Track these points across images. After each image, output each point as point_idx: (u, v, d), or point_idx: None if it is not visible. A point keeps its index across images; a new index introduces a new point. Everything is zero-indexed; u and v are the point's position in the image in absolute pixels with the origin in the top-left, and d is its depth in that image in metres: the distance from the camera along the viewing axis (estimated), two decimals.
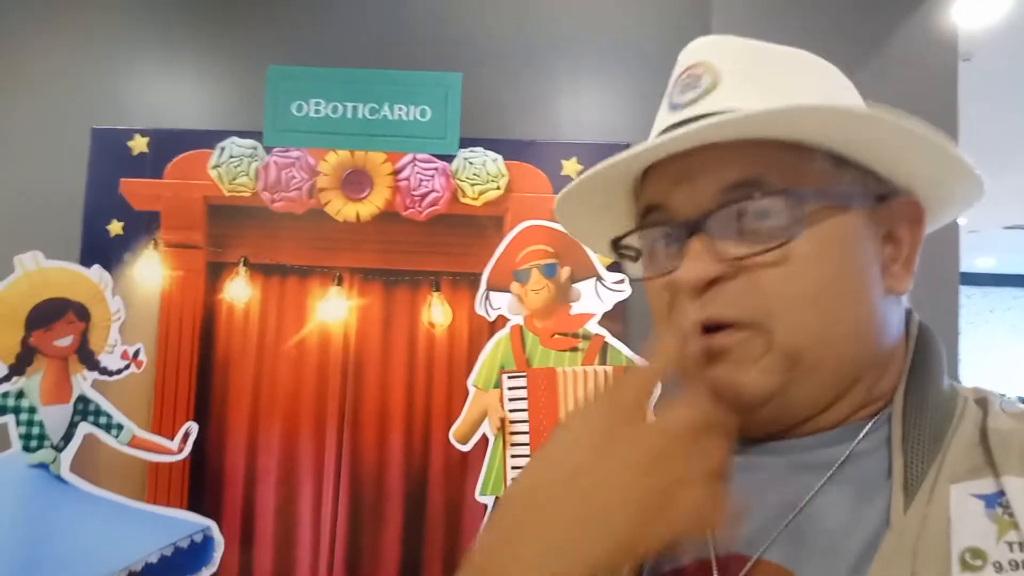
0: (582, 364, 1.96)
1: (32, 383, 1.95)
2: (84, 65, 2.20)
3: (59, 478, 1.93)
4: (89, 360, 1.97)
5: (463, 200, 2.03)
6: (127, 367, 1.99)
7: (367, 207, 2.04)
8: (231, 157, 2.05)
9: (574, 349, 1.97)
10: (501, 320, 2.01)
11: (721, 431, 0.49)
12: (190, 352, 2.03)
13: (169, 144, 2.08)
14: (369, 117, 2.06)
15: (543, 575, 0.44)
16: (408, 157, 2.04)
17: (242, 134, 2.06)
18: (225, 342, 2.04)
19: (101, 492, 1.94)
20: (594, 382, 1.94)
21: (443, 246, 2.05)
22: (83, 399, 1.96)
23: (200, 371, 2.03)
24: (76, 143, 2.10)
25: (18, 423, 1.93)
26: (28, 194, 2.12)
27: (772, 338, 0.52)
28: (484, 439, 1.97)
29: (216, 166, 2.05)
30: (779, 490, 0.54)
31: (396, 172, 2.04)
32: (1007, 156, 3.93)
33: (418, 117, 2.05)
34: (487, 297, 2.01)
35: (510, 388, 1.96)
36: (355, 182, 2.05)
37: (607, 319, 1.97)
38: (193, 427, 1.99)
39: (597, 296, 1.97)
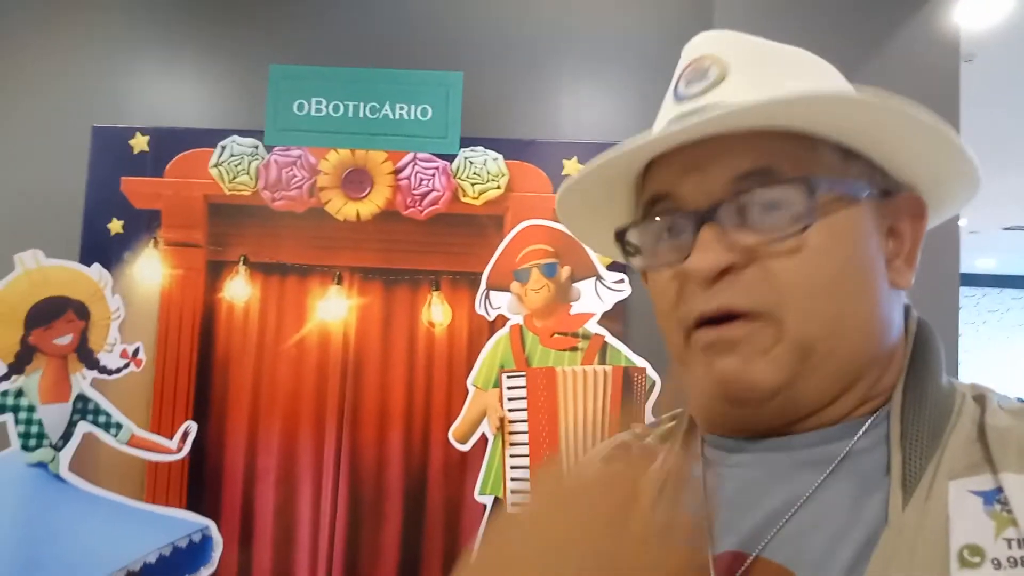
0: (582, 364, 1.96)
1: (31, 382, 1.95)
2: (85, 63, 2.20)
3: (58, 477, 1.93)
4: (88, 359, 1.97)
5: (463, 199, 2.03)
6: (126, 366, 1.99)
7: (367, 206, 2.04)
8: (232, 156, 2.04)
9: (574, 349, 1.97)
10: (501, 319, 2.01)
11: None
12: (189, 351, 2.03)
13: (170, 143, 2.08)
14: (370, 116, 2.05)
15: None
16: (409, 156, 2.04)
17: (243, 133, 2.06)
18: (225, 341, 2.04)
19: (100, 491, 1.94)
20: (593, 381, 1.93)
21: (443, 245, 2.05)
22: (82, 398, 1.96)
23: (200, 370, 2.02)
24: (77, 141, 2.10)
25: (17, 422, 1.92)
26: (28, 192, 2.12)
27: (783, 329, 0.52)
28: (483, 438, 1.97)
29: (217, 165, 2.04)
30: (778, 488, 0.54)
31: (397, 171, 2.04)
32: (1008, 157, 3.92)
33: (419, 116, 2.05)
34: (487, 296, 2.01)
35: (509, 387, 1.96)
36: (356, 181, 2.05)
37: (607, 319, 1.97)
38: (192, 426, 1.99)
39: (597, 296, 1.97)
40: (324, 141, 2.05)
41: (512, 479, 1.93)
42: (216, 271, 2.05)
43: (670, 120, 0.57)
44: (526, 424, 1.93)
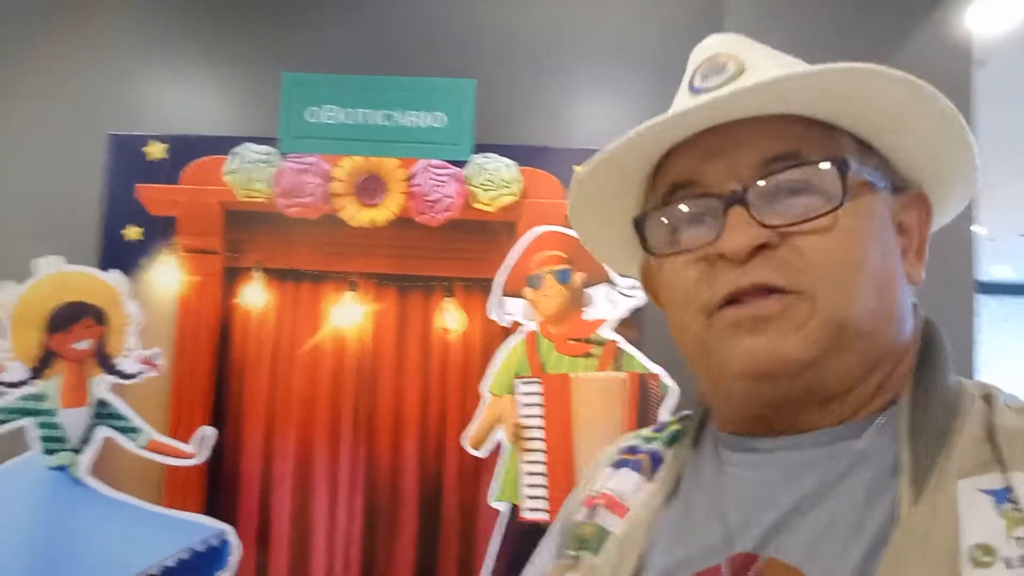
0: (596, 370, 1.95)
1: (51, 386, 1.96)
2: (101, 72, 2.22)
3: (78, 481, 1.94)
4: (107, 364, 1.99)
5: (477, 206, 2.04)
6: (144, 371, 2.00)
7: (381, 213, 2.05)
8: (246, 163, 2.06)
9: (588, 355, 1.97)
10: (515, 326, 2.01)
11: None
12: (207, 357, 2.04)
13: (185, 150, 2.10)
14: (383, 123, 2.07)
15: None
16: (422, 163, 2.05)
17: (257, 140, 2.08)
18: (241, 347, 2.05)
19: (119, 495, 1.95)
20: (608, 388, 1.93)
21: (457, 251, 2.06)
22: (101, 403, 1.98)
23: (216, 376, 2.04)
24: (93, 149, 2.12)
25: (38, 426, 1.94)
26: (47, 199, 2.14)
27: (816, 305, 0.52)
28: (498, 445, 1.97)
29: (231, 172, 2.06)
30: (789, 488, 0.54)
31: (410, 178, 2.05)
32: (1023, 163, 3.90)
33: (432, 123, 2.06)
34: (501, 303, 2.01)
35: (524, 394, 1.95)
36: (369, 188, 2.06)
37: (622, 325, 1.97)
38: (209, 431, 2.00)
39: (611, 301, 1.97)
40: (338, 148, 2.06)
41: (527, 485, 1.93)
42: (232, 277, 2.07)
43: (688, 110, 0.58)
44: (541, 431, 1.93)
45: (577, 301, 1.98)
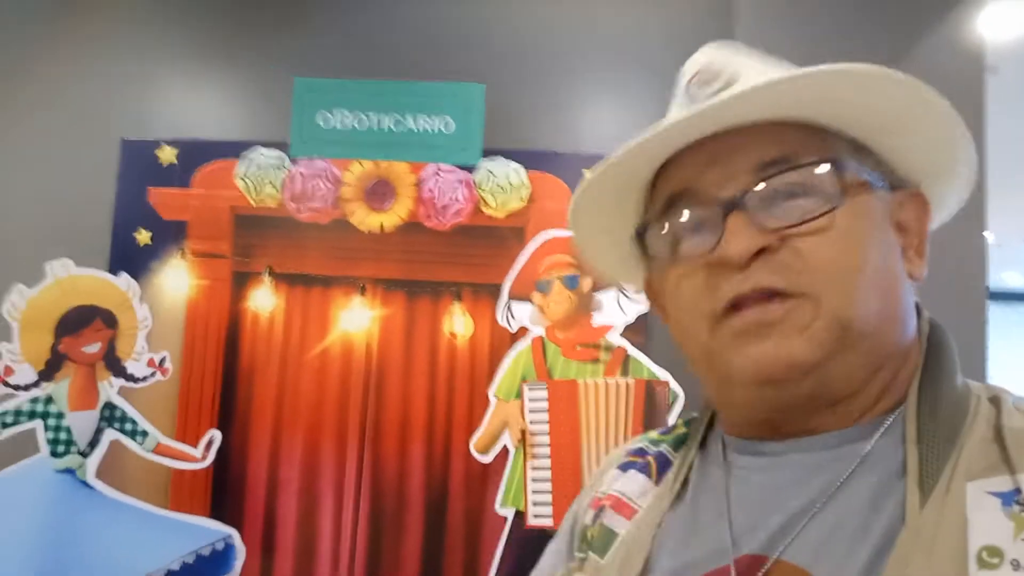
0: (604, 375, 1.95)
1: (60, 389, 1.97)
2: (114, 77, 2.24)
3: (85, 483, 1.95)
4: (116, 367, 2.00)
5: (485, 211, 2.04)
6: (153, 375, 2.01)
7: (391, 217, 2.06)
8: (257, 168, 2.07)
9: (596, 360, 1.96)
10: (522, 331, 2.00)
11: None
12: (215, 361, 2.05)
13: (197, 154, 2.11)
14: (393, 128, 2.07)
15: None
16: (431, 168, 2.05)
17: (268, 145, 2.09)
18: (249, 351, 2.05)
19: (125, 498, 1.96)
20: (615, 394, 1.92)
21: (465, 256, 2.06)
22: (109, 406, 1.99)
23: (224, 379, 2.04)
24: (106, 153, 2.13)
25: (46, 428, 1.95)
26: (59, 203, 2.16)
27: (820, 307, 0.52)
28: (505, 450, 1.96)
29: (242, 176, 2.07)
30: (797, 490, 0.54)
31: (419, 183, 2.05)
32: None
33: (441, 128, 2.06)
34: (509, 308, 2.01)
35: (531, 399, 1.95)
36: (379, 192, 2.06)
37: (629, 331, 1.97)
38: (216, 435, 2.01)
39: (619, 307, 1.97)
40: (348, 153, 2.07)
41: (533, 491, 1.92)
42: (242, 282, 2.07)
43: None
44: (548, 436, 1.93)
45: (585, 307, 1.98)
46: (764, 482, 0.57)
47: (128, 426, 1.98)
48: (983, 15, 1.94)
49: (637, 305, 1.96)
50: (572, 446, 1.91)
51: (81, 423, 1.96)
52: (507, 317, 2.01)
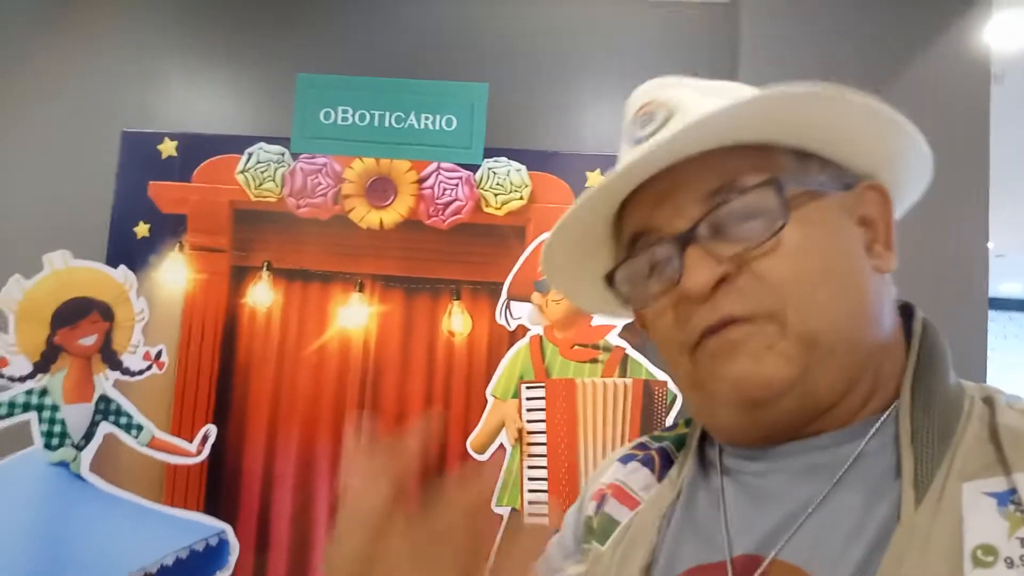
0: (602, 375, 1.94)
1: (56, 381, 1.97)
2: (116, 70, 2.23)
3: (79, 477, 1.94)
4: (112, 360, 1.99)
5: (486, 209, 2.04)
6: (149, 368, 2.00)
7: (391, 215, 2.05)
8: (258, 163, 2.06)
9: (594, 360, 1.96)
10: (521, 330, 2.00)
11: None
12: (211, 355, 2.04)
13: (197, 148, 2.10)
14: (395, 125, 2.07)
15: None
16: (433, 166, 2.05)
17: (270, 140, 2.08)
18: (246, 346, 2.05)
19: (119, 492, 1.95)
20: (613, 394, 1.92)
21: (465, 255, 2.05)
22: (104, 399, 1.98)
23: (221, 374, 2.04)
24: (106, 146, 2.13)
25: (40, 420, 1.94)
26: (59, 194, 2.15)
27: (785, 324, 0.53)
28: (501, 449, 1.96)
29: (243, 171, 2.06)
30: (793, 491, 0.55)
31: (420, 180, 2.05)
32: None
33: (444, 126, 2.06)
34: (507, 307, 2.01)
35: (528, 398, 1.95)
36: (379, 190, 2.06)
37: (628, 331, 1.96)
38: (212, 430, 2.00)
39: None
40: (349, 149, 2.06)
41: (530, 490, 1.92)
42: (240, 276, 2.07)
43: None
44: (544, 435, 1.92)
45: None
46: (759, 483, 0.58)
47: (123, 419, 1.98)
48: (989, 24, 1.93)
49: None
50: (569, 445, 1.91)
51: (76, 416, 1.96)
52: (506, 316, 2.01)
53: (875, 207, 0.60)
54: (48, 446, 1.94)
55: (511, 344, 2.00)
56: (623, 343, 1.96)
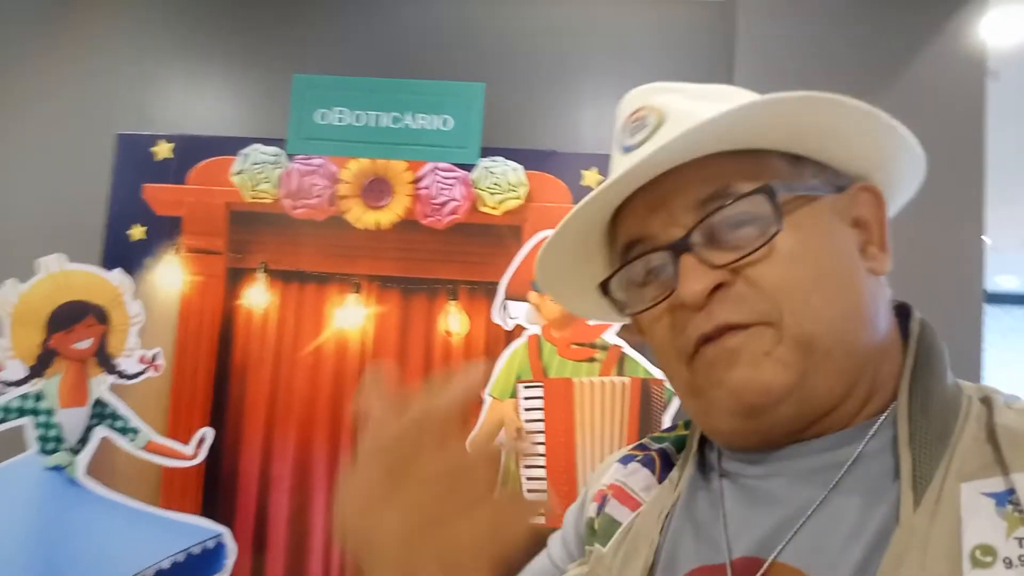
0: (600, 375, 1.94)
1: (51, 385, 1.96)
2: (110, 72, 2.22)
3: (75, 481, 1.93)
4: (107, 363, 1.98)
5: (483, 209, 2.03)
6: (145, 371, 2.00)
7: (387, 215, 2.05)
8: (254, 164, 2.05)
9: (591, 359, 1.96)
10: (518, 329, 2.00)
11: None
12: (208, 357, 2.03)
13: (193, 150, 2.09)
14: (391, 126, 2.06)
15: None
16: (429, 166, 2.04)
17: (265, 141, 2.07)
18: (243, 348, 2.04)
19: (116, 496, 1.94)
20: (611, 393, 1.92)
21: (462, 255, 2.05)
22: (100, 402, 1.97)
23: (217, 377, 2.03)
24: (101, 148, 2.12)
25: (36, 425, 1.93)
26: (53, 197, 2.14)
27: (782, 330, 0.53)
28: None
29: (239, 172, 2.05)
30: (792, 494, 0.55)
31: (417, 181, 2.04)
32: None
33: (440, 126, 2.05)
34: (505, 306, 2.00)
35: (526, 398, 1.94)
36: (376, 190, 2.05)
37: (625, 330, 1.96)
38: (209, 433, 1.99)
39: None
40: (345, 150, 2.06)
41: (528, 490, 1.91)
42: (236, 278, 2.06)
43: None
44: (542, 435, 1.92)
45: None
46: (758, 485, 0.58)
47: (119, 423, 1.97)
48: (985, 20, 1.93)
49: None
50: (567, 444, 1.91)
51: (71, 420, 1.95)
52: (503, 316, 2.00)
53: (869, 208, 0.60)
54: (43, 451, 1.93)
55: (508, 344, 1.99)
56: (620, 342, 1.96)
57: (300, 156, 2.06)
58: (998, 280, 6.79)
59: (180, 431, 2.00)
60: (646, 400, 1.91)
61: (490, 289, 2.02)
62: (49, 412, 1.94)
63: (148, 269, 2.05)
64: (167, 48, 2.23)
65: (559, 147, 2.07)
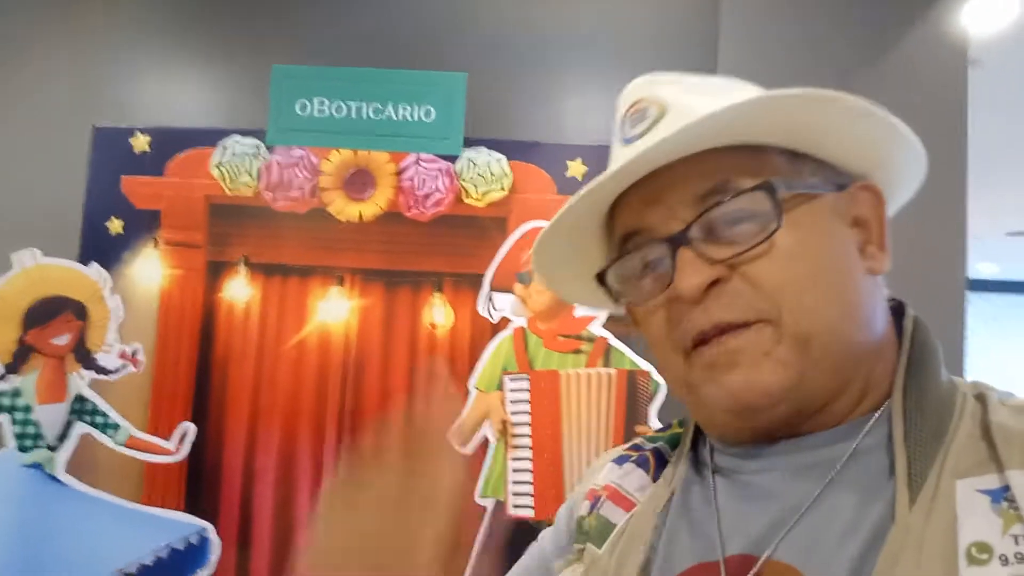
0: (586, 366, 1.94)
1: (28, 382, 1.93)
2: (86, 63, 2.18)
3: (54, 478, 1.91)
4: (86, 359, 1.96)
5: (467, 201, 2.02)
6: (124, 367, 1.97)
7: (370, 207, 2.03)
8: (233, 156, 2.03)
9: (577, 351, 1.95)
10: (504, 321, 1.99)
11: None
12: (189, 352, 2.01)
13: (171, 142, 2.07)
14: (373, 117, 2.04)
15: None
16: (412, 157, 2.02)
17: (245, 133, 2.05)
18: (224, 342, 2.02)
19: (97, 493, 1.92)
20: (597, 384, 1.92)
21: (446, 247, 2.03)
22: (79, 398, 1.95)
23: (199, 371, 2.01)
24: (77, 141, 2.09)
25: (13, 422, 1.91)
26: (28, 191, 2.11)
27: (781, 329, 0.53)
28: (485, 441, 1.95)
29: (218, 165, 2.03)
30: (786, 491, 0.55)
31: (399, 172, 2.02)
32: (1013, 162, 3.91)
33: (422, 117, 2.04)
34: (490, 298, 1.99)
35: (512, 390, 1.94)
36: (358, 182, 2.03)
37: (611, 321, 1.95)
38: (191, 428, 1.97)
39: None
40: (326, 141, 2.04)
41: (514, 481, 1.91)
42: (216, 272, 2.04)
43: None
44: (528, 427, 1.92)
45: None
46: (752, 482, 0.57)
47: (99, 419, 1.95)
48: (966, 8, 1.94)
49: None
50: (553, 436, 1.90)
51: (50, 416, 1.92)
52: (488, 308, 1.99)
53: (868, 208, 0.60)
54: (21, 448, 1.91)
55: (494, 336, 1.99)
56: (606, 333, 1.95)
57: (280, 148, 2.04)
58: (978, 267, 6.87)
59: (161, 427, 1.98)
60: (632, 392, 1.91)
61: (475, 281, 2.00)
62: (27, 409, 1.92)
63: (127, 263, 2.02)
64: (144, 37, 2.20)
65: (543, 138, 2.06)
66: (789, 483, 0.55)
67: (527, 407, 1.93)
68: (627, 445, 0.72)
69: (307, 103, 2.05)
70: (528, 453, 1.91)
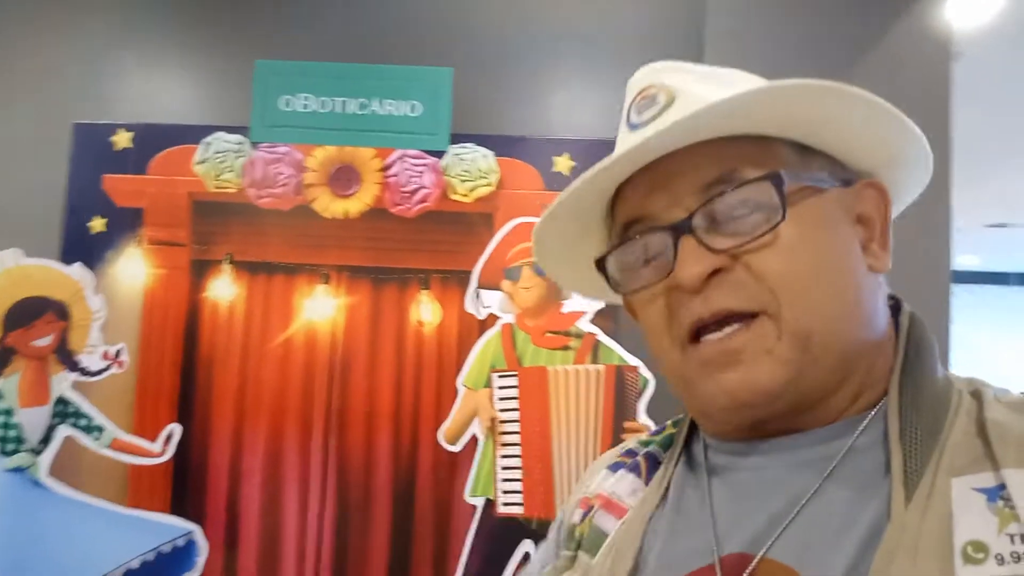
0: (574, 362, 1.94)
1: (9, 384, 1.90)
2: (66, 59, 2.15)
3: (37, 482, 1.88)
4: (69, 360, 1.93)
5: (453, 197, 2.01)
6: (108, 368, 1.95)
7: (355, 204, 2.01)
8: (217, 153, 2.01)
9: (566, 348, 1.95)
10: (492, 318, 1.98)
11: None
12: (173, 352, 1.99)
13: (153, 139, 2.04)
14: (358, 112, 2.03)
15: None
16: (397, 153, 2.01)
17: (228, 129, 2.03)
18: (209, 341, 2.00)
19: (81, 496, 1.90)
20: (586, 380, 1.91)
21: (433, 243, 2.02)
22: (62, 401, 1.92)
23: (183, 371, 1.99)
24: (57, 138, 2.05)
25: None
26: (8, 190, 2.08)
27: (781, 323, 0.53)
28: (474, 439, 1.94)
29: (201, 162, 2.01)
30: (781, 489, 0.54)
31: (385, 168, 2.01)
32: (996, 155, 3.94)
33: (408, 112, 2.02)
34: (477, 295, 1.98)
35: (500, 387, 1.93)
36: (343, 178, 2.02)
37: (599, 317, 1.95)
38: (176, 429, 1.95)
39: None
40: (311, 137, 2.02)
41: (503, 479, 1.91)
42: (201, 270, 2.02)
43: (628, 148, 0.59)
44: (517, 424, 1.91)
45: (555, 294, 1.96)
46: (747, 480, 0.57)
47: (82, 421, 1.92)
48: (950, 2, 1.94)
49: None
50: (542, 433, 1.90)
51: (32, 419, 1.90)
52: (476, 304, 1.98)
53: (873, 206, 0.59)
54: (3, 452, 1.88)
55: (482, 333, 1.98)
56: (595, 329, 1.95)
57: (264, 144, 2.02)
58: (960, 259, 6.94)
59: (146, 428, 1.95)
60: (621, 387, 1.91)
61: (462, 278, 1.99)
62: (8, 412, 1.89)
63: (109, 263, 2.00)
64: (125, 34, 2.17)
65: (530, 133, 2.05)
66: (783, 481, 0.55)
67: (516, 404, 1.92)
68: (621, 450, 0.71)
69: (291, 99, 2.03)
70: (517, 450, 1.91)
